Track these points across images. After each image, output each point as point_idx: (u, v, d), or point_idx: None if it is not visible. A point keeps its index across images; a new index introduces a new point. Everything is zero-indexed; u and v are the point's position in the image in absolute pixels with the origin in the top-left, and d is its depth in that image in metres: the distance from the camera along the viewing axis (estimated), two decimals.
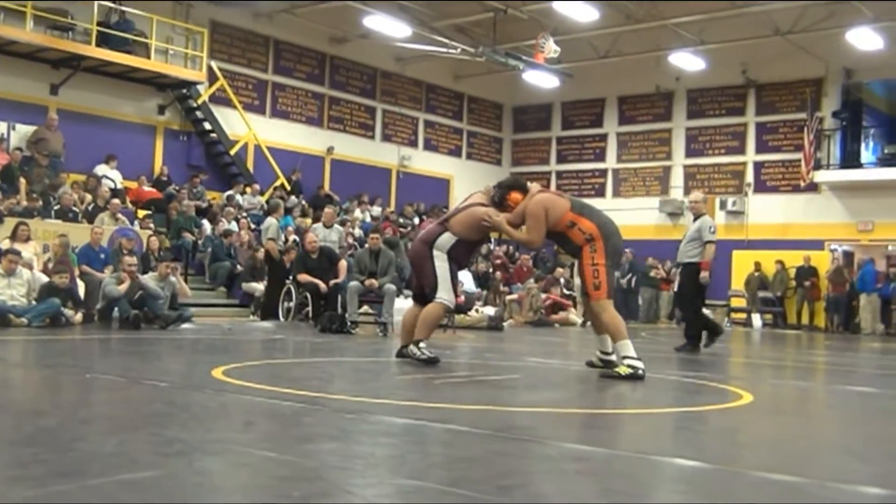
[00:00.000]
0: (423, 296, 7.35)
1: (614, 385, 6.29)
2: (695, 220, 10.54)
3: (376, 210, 22.12)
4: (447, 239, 7.24)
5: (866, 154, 23.63)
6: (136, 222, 16.04)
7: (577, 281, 20.42)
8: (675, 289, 11.27)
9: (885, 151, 23.09)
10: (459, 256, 7.36)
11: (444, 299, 7.19)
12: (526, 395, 5.92)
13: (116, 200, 15.66)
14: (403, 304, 13.66)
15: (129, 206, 16.89)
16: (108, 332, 10.57)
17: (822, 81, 22.89)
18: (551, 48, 20.63)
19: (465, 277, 16.69)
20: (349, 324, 11.86)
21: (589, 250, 6.80)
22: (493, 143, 27.44)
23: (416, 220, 22.54)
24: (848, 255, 23.25)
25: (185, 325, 11.57)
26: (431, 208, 23.74)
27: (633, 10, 21.38)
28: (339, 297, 12.85)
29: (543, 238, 7.07)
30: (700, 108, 24.75)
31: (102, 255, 13.20)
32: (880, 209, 21.84)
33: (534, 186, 7.27)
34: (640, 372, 6.49)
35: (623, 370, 6.51)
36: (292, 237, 16.38)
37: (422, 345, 7.23)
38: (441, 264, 7.19)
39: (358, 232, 19.31)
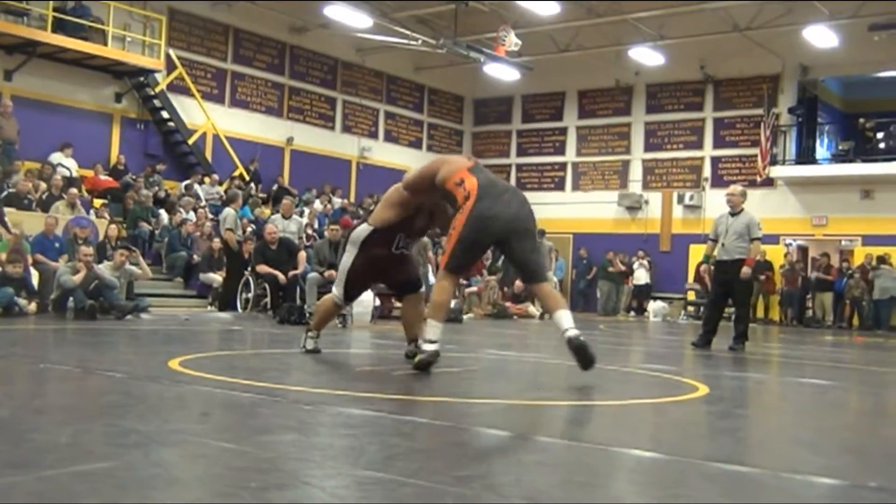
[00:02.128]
0: (402, 288, 7.04)
1: (572, 377, 6.33)
2: (733, 214, 10.31)
3: (336, 201, 22.03)
4: (361, 230, 6.77)
5: (821, 150, 23.99)
6: (91, 211, 15.84)
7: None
8: (710, 285, 11.05)
9: (840, 148, 23.45)
10: (380, 244, 6.65)
11: (333, 293, 6.93)
12: (485, 386, 5.94)
13: (74, 189, 15.45)
14: (364, 297, 13.69)
15: (86, 194, 16.68)
16: (62, 322, 10.44)
17: (778, 78, 23.16)
18: (512, 41, 20.66)
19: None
20: (308, 315, 11.81)
21: (457, 212, 6.00)
22: (453, 135, 27.45)
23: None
24: (802, 250, 23.61)
25: (142, 316, 11.45)
26: None
27: (593, 5, 21.49)
28: (298, 289, 12.80)
29: (415, 187, 6.38)
30: (659, 103, 24.95)
31: (57, 245, 13.03)
32: (834, 204, 22.18)
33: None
34: (434, 356, 5.85)
35: (419, 359, 5.93)
36: (249, 228, 16.26)
37: (310, 334, 7.12)
38: (346, 257, 6.78)
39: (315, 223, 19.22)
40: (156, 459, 3.02)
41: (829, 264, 21.61)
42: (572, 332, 5.73)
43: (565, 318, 5.82)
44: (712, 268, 10.67)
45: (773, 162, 22.59)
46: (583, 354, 5.70)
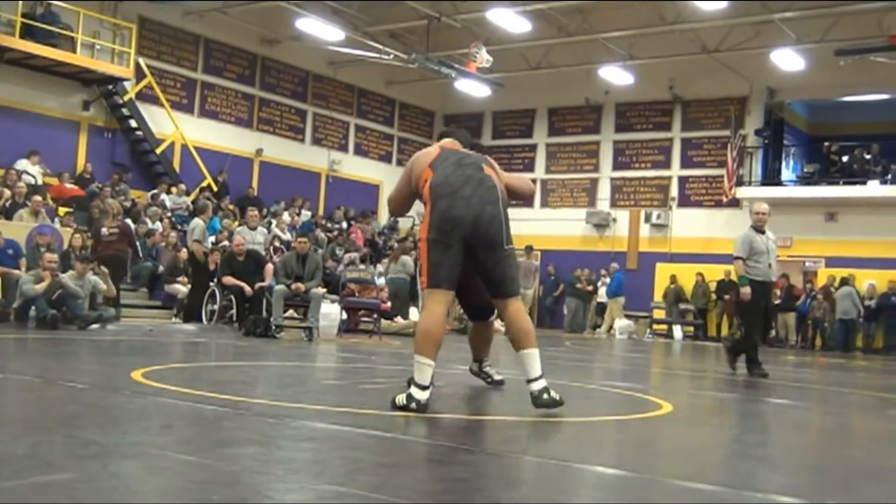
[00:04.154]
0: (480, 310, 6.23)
1: None
2: (762, 232, 9.84)
3: (305, 214, 21.98)
4: None
5: (786, 172, 24.30)
6: (56, 220, 15.67)
7: None
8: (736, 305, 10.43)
9: (805, 170, 23.77)
10: None
11: None
12: (449, 401, 5.93)
13: (37, 197, 15.29)
14: (330, 309, 13.66)
15: (51, 202, 16.50)
16: (24, 331, 10.30)
17: (745, 100, 23.44)
18: (483, 58, 20.77)
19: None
20: (274, 328, 11.75)
21: (422, 221, 5.09)
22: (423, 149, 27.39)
23: (345, 225, 22.46)
24: None
25: (106, 326, 11.33)
26: (360, 213, 23.67)
27: (564, 24, 21.66)
28: (265, 301, 12.73)
29: (400, 203, 5.50)
30: (628, 122, 25.14)
31: (10, 251, 12.84)
32: (799, 226, 22.41)
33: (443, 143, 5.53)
34: (414, 406, 4.72)
35: (399, 398, 4.82)
36: (224, 242, 16.08)
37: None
38: None
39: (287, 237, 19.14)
40: (115, 471, 2.99)
41: (789, 285, 21.80)
42: (537, 387, 4.90)
43: (532, 362, 4.95)
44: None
45: (740, 183, 22.82)
46: (549, 408, 4.90)
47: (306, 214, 21.95)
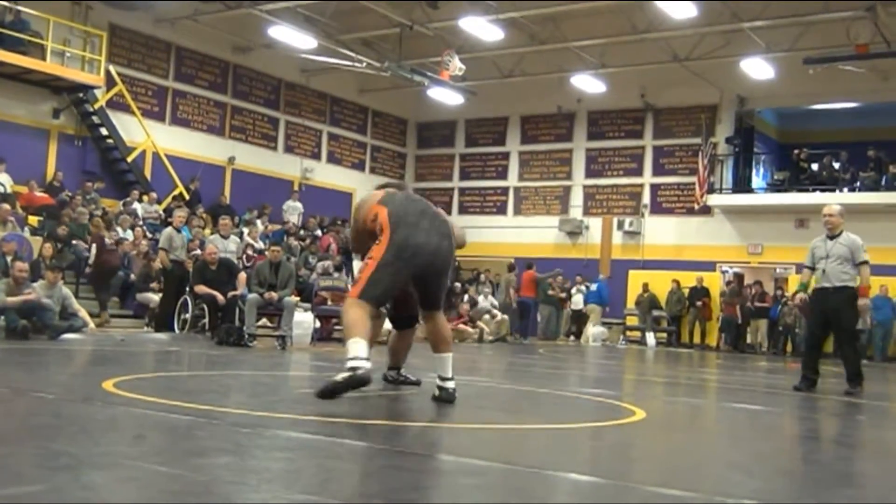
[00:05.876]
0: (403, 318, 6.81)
1: (508, 400, 6.34)
2: (832, 237, 9.13)
3: (294, 205, 22.12)
4: None
5: (757, 179, 24.54)
6: (26, 228, 15.51)
7: (484, 299, 20.59)
8: (809, 316, 9.73)
9: (775, 177, 24.00)
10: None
11: None
12: (423, 409, 5.92)
13: (6, 205, 15.13)
14: (303, 318, 13.61)
15: (20, 211, 16.33)
16: None
17: (716, 108, 23.64)
18: (456, 66, 20.81)
19: None
20: (247, 337, 11.69)
21: (375, 244, 5.55)
22: (396, 157, 27.48)
23: (319, 233, 22.41)
24: (738, 277, 24.03)
25: (76, 336, 11.22)
26: (333, 221, 23.62)
27: (536, 32, 21.75)
28: (238, 310, 12.67)
29: (360, 242, 6.03)
30: (600, 130, 25.27)
31: None
32: (769, 233, 22.63)
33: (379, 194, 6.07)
34: (360, 373, 5.06)
35: (339, 376, 5.14)
36: (196, 251, 15.98)
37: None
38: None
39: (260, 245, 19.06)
40: (86, 482, 2.96)
41: (763, 291, 22.01)
42: (450, 385, 5.80)
43: (446, 364, 5.86)
44: (806, 297, 9.43)
45: (711, 190, 23.00)
46: (446, 401, 5.78)
47: (295, 206, 22.00)
